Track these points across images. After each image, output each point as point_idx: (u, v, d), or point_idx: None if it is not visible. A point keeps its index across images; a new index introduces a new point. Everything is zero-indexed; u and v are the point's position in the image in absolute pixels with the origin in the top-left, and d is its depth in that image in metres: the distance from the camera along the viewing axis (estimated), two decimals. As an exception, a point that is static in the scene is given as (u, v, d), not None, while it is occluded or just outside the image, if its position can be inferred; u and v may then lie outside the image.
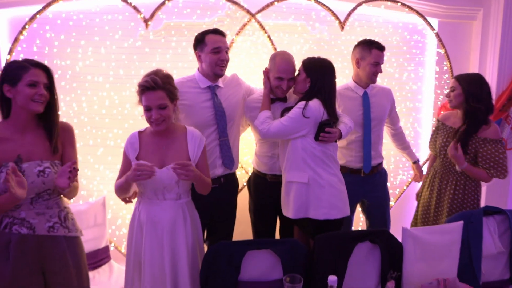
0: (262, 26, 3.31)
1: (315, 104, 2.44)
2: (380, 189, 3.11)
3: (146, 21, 3.10)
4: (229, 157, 2.68)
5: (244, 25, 3.30)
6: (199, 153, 2.21)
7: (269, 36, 3.33)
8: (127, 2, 3.04)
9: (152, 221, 2.11)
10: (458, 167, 2.72)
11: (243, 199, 3.12)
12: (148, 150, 2.13)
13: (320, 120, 2.44)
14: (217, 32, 2.57)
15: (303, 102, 2.46)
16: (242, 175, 3.37)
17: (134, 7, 3.06)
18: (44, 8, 2.93)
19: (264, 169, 2.84)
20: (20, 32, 2.93)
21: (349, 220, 3.07)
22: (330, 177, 2.49)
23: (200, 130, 2.51)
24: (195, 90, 2.59)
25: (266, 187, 2.83)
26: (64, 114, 3.11)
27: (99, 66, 3.08)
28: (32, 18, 2.94)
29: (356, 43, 2.96)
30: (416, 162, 3.40)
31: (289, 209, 2.54)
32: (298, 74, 2.53)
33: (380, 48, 2.88)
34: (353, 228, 3.29)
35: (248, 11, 3.28)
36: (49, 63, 3.00)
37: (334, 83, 2.56)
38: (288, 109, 2.57)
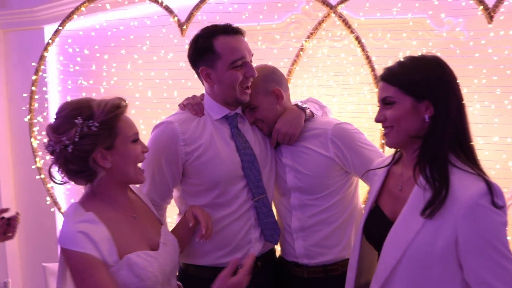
0: (346, 24, 2.05)
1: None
2: None
3: (181, 25, 2.18)
4: (272, 224, 1.50)
5: (320, 23, 2.09)
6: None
7: (357, 38, 2.04)
8: (158, 2, 2.18)
9: None
10: None
11: None
12: (124, 232, 1.15)
13: None
14: (233, 31, 1.41)
15: (483, 186, 1.01)
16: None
17: (166, 8, 2.17)
18: (68, 17, 2.29)
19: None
20: (45, 49, 2.35)
21: None
22: None
23: (221, 188, 1.44)
24: (205, 126, 1.46)
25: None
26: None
27: (124, 86, 2.29)
28: (56, 32, 2.33)
29: None
30: None
31: None
32: (387, 103, 1.13)
33: None
34: None
35: (325, 2, 2.06)
36: (73, 83, 2.36)
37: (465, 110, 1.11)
38: None
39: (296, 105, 1.51)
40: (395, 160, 1.24)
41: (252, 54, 1.44)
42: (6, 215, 1.49)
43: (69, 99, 1.17)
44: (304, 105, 1.50)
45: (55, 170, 1.13)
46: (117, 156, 1.11)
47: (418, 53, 1.98)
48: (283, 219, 1.56)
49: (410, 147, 1.14)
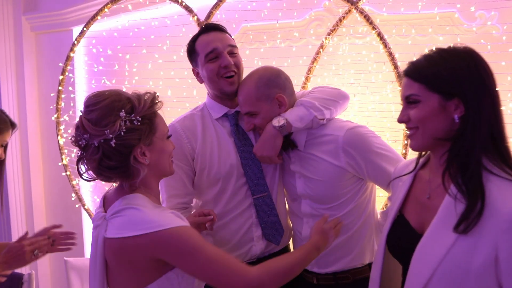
0: (368, 20, 1.96)
1: None
2: None
3: (200, 24, 2.17)
4: (273, 224, 1.48)
5: (340, 19, 2.01)
6: None
7: (379, 34, 1.94)
8: (178, 1, 2.18)
9: None
10: None
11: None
12: None
13: None
14: (208, 28, 1.48)
15: None
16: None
17: (186, 7, 2.17)
18: (92, 18, 2.34)
19: None
20: (71, 49, 2.41)
21: None
22: None
23: (222, 185, 1.46)
24: (205, 125, 1.49)
25: None
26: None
27: (144, 85, 2.30)
28: (81, 33, 2.38)
29: None
30: None
31: None
32: (411, 102, 1.01)
33: None
34: None
35: (346, -2, 1.98)
36: (97, 83, 2.41)
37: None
38: None
39: (271, 123, 1.36)
40: (422, 164, 1.11)
41: (231, 45, 1.44)
42: (57, 230, 1.53)
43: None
44: (281, 123, 1.34)
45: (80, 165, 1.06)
46: (155, 152, 1.07)
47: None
48: (294, 225, 1.51)
49: (438, 151, 1.02)
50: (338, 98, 1.42)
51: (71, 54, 2.41)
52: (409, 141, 1.08)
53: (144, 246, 0.98)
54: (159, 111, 1.10)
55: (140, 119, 1.02)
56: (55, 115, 2.51)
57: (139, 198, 1.05)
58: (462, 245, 0.91)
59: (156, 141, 1.06)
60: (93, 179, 1.08)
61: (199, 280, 1.08)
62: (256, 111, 1.37)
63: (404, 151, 1.90)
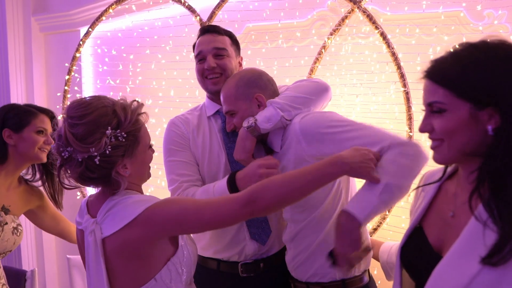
0: (371, 19, 1.92)
1: None
2: None
3: (203, 24, 2.16)
4: (260, 223, 1.46)
5: (343, 19, 1.98)
6: None
7: (382, 34, 1.90)
8: (180, 2, 2.18)
9: None
10: None
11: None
12: None
13: None
14: (204, 31, 1.54)
15: None
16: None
17: (189, 7, 2.17)
18: (98, 19, 2.36)
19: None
20: (77, 50, 2.44)
21: None
22: None
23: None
24: (200, 121, 1.54)
25: None
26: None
27: (148, 86, 2.31)
28: (87, 33, 2.40)
29: None
30: None
31: None
32: (436, 111, 0.87)
33: None
34: None
35: (349, -3, 1.95)
36: (102, 82, 2.43)
37: None
38: None
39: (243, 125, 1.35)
40: (449, 175, 0.98)
41: (217, 48, 1.46)
42: None
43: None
44: (249, 123, 1.30)
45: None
46: (136, 164, 1.08)
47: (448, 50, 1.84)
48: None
49: (468, 166, 0.89)
50: (311, 94, 1.35)
51: (77, 55, 2.44)
52: (433, 154, 0.92)
53: (142, 227, 1.00)
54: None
55: (125, 135, 1.02)
56: (61, 115, 2.54)
57: (125, 192, 1.08)
58: (488, 275, 0.80)
59: (138, 153, 1.07)
60: (75, 187, 1.12)
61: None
62: (235, 110, 1.37)
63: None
